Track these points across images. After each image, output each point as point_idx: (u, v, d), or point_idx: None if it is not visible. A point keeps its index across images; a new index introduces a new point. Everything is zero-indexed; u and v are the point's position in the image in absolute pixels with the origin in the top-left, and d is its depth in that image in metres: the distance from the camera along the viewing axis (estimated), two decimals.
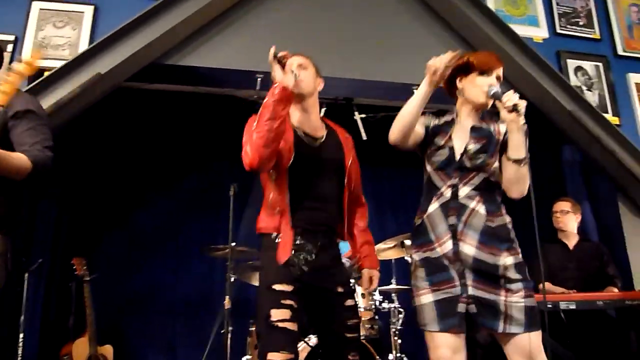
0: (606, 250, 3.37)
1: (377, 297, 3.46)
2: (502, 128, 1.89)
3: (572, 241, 3.40)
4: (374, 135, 3.27)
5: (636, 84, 3.88)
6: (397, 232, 3.74)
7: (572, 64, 3.82)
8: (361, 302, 3.36)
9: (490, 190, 1.86)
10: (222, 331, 3.09)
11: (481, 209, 1.81)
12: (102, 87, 2.99)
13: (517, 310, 1.70)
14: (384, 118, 3.46)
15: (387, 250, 3.62)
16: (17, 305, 3.10)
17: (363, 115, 3.55)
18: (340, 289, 1.94)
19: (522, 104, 1.73)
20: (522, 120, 1.73)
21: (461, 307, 1.72)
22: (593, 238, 3.62)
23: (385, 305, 3.46)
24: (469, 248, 1.77)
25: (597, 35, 3.98)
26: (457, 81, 1.95)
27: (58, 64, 2.84)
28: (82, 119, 3.30)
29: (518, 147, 1.76)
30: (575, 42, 3.91)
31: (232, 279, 3.29)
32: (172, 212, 4.47)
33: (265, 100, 1.82)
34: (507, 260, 1.77)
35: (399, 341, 3.36)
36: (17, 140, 1.77)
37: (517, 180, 1.80)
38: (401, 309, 3.45)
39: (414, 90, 3.37)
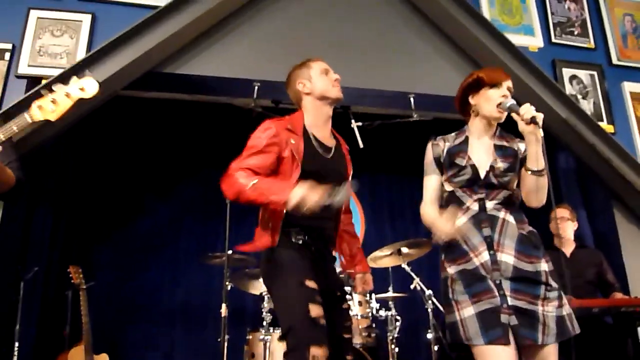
0: (603, 256, 3.38)
1: (374, 304, 3.46)
2: (522, 147, 1.92)
3: (568, 248, 3.41)
4: (371, 143, 3.28)
5: (631, 92, 3.92)
6: (394, 240, 3.75)
7: (567, 72, 3.85)
8: (358, 310, 3.36)
9: (513, 203, 1.90)
10: (219, 339, 3.08)
11: (510, 218, 1.84)
12: (100, 95, 2.99)
13: (552, 320, 1.71)
14: (380, 126, 3.47)
15: (384, 257, 3.63)
16: (12, 314, 3.09)
17: (360, 124, 3.57)
18: (338, 293, 2.02)
19: (540, 116, 1.76)
20: (540, 131, 1.75)
21: (504, 318, 1.69)
22: (589, 244, 3.63)
23: (382, 312, 3.46)
24: (508, 257, 1.77)
25: (591, 45, 4.02)
26: (470, 99, 1.98)
27: (56, 72, 2.85)
28: (80, 127, 3.31)
29: (537, 158, 1.79)
30: (570, 51, 3.95)
31: (229, 287, 3.29)
32: (170, 219, 4.47)
33: (268, 196, 1.78)
34: (545, 266, 1.79)
35: (396, 349, 3.36)
36: None
37: (537, 190, 1.82)
38: (398, 317, 3.45)
39: (411, 99, 3.45)
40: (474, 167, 1.88)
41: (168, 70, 3.18)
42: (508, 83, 1.93)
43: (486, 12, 3.78)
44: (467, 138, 1.97)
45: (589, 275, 3.31)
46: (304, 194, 1.70)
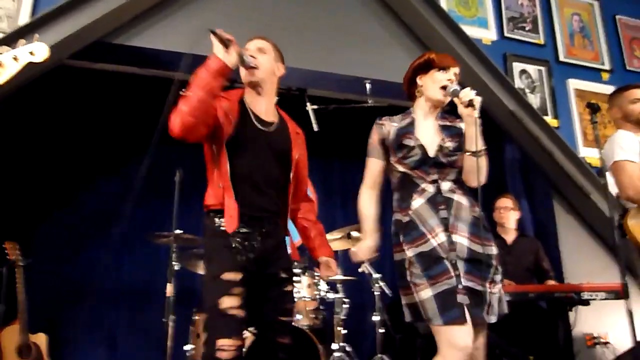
0: (540, 245, 3.55)
1: (323, 287, 3.50)
2: (463, 127, 1.97)
3: (510, 236, 3.56)
4: (325, 127, 3.28)
5: (575, 89, 4.10)
6: (345, 224, 3.78)
7: (517, 66, 3.98)
8: (306, 292, 3.38)
9: (462, 183, 1.95)
10: (164, 319, 3.03)
11: (463, 200, 1.89)
12: (43, 64, 2.84)
13: (495, 300, 1.81)
14: (335, 110, 3.48)
15: (334, 241, 3.65)
16: None
17: (315, 107, 3.56)
18: (282, 275, 1.98)
19: (478, 100, 1.83)
20: (476, 113, 1.82)
21: (460, 299, 1.74)
22: (529, 233, 3.80)
23: (330, 295, 3.50)
24: (462, 239, 1.82)
25: (541, 41, 4.16)
26: (418, 79, 2.03)
27: None
28: (20, 96, 3.13)
29: (474, 139, 1.86)
30: (521, 46, 4.07)
31: (176, 267, 3.23)
32: (116, 196, 4.31)
33: (198, 70, 1.82)
34: (494, 250, 1.87)
35: (343, 331, 3.41)
36: None
37: (476, 170, 1.85)
38: (346, 300, 3.50)
39: (366, 84, 3.47)
40: (422, 147, 1.92)
41: (118, 41, 3.05)
42: (456, 69, 2.00)
43: (443, 2, 3.83)
44: (413, 120, 2.01)
45: (527, 263, 3.47)
46: None
